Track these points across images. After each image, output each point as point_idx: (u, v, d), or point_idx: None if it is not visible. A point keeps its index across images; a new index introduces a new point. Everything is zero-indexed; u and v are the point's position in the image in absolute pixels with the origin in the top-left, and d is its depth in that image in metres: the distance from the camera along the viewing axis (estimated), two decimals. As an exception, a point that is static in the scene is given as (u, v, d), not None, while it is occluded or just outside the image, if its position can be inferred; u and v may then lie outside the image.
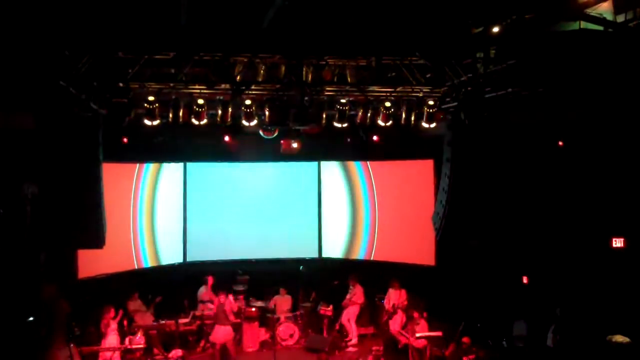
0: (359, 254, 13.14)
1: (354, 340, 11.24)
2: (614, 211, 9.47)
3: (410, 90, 9.12)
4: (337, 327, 11.51)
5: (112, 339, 9.34)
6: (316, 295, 11.82)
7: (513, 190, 9.66)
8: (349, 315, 11.30)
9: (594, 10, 7.48)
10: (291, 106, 9.01)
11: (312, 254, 13.36)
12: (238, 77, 8.66)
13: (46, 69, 7.80)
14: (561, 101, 8.70)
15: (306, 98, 8.95)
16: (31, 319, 8.41)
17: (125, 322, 9.85)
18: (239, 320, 10.73)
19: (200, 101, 8.73)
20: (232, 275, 12.20)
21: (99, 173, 8.36)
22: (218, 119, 9.12)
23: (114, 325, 9.50)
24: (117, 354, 9.38)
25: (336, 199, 13.43)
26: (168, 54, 8.34)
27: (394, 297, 10.94)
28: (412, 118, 9.36)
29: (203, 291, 11.40)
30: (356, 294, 11.30)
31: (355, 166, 13.26)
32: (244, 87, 8.68)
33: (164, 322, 10.34)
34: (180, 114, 8.86)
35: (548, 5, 7.44)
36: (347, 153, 13.00)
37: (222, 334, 10.18)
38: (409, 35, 8.23)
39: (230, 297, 10.54)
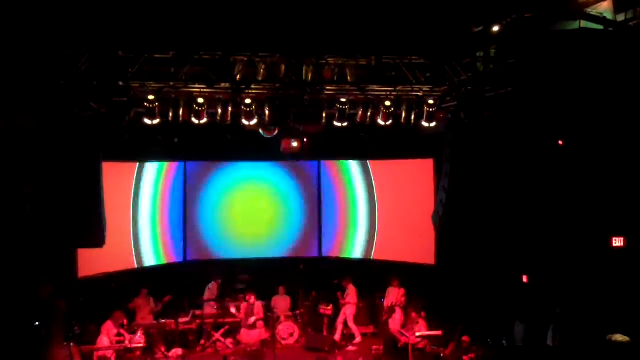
0: (359, 253, 13.14)
1: (359, 339, 11.26)
2: (614, 210, 9.45)
3: (410, 89, 9.12)
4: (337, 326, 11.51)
5: (104, 339, 9.34)
6: (316, 294, 11.82)
7: (513, 190, 9.64)
8: (346, 316, 11.29)
9: (594, 10, 7.50)
10: (291, 105, 9.01)
11: (312, 253, 13.36)
12: (238, 76, 8.67)
13: (46, 68, 7.80)
14: (561, 100, 8.70)
15: (306, 97, 8.95)
16: (37, 323, 8.42)
17: (125, 322, 9.84)
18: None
19: (200, 100, 8.73)
20: (232, 274, 12.20)
21: (99, 172, 8.36)
22: (218, 118, 9.13)
23: (114, 330, 9.50)
24: (112, 353, 9.40)
25: (336, 198, 13.43)
26: (168, 53, 8.35)
27: (393, 295, 10.95)
28: (412, 117, 9.36)
29: (209, 289, 11.40)
30: (349, 294, 11.31)
31: (355, 165, 13.25)
32: (244, 86, 8.69)
33: (164, 321, 10.34)
34: (180, 113, 8.86)
35: (548, 4, 7.45)
36: (347, 152, 13.00)
37: (253, 335, 10.30)
38: (409, 35, 8.24)
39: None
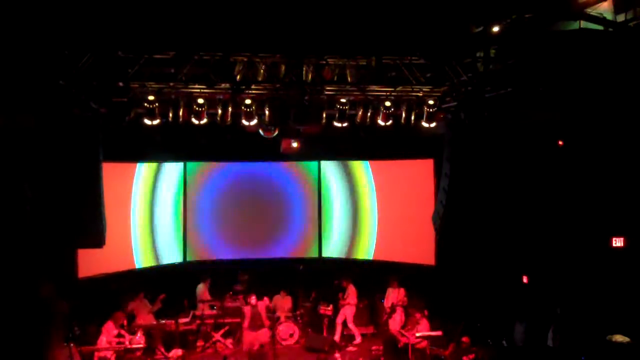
0: (359, 253, 13.13)
1: (359, 340, 11.25)
2: (614, 211, 9.45)
3: (410, 89, 9.11)
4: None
5: (104, 340, 9.35)
6: (316, 295, 11.82)
7: (513, 190, 9.65)
8: (345, 316, 11.28)
9: (594, 10, 7.50)
10: (291, 106, 9.01)
11: (312, 254, 13.35)
12: (238, 77, 8.66)
13: (46, 69, 7.80)
14: (561, 101, 8.70)
15: (306, 97, 8.95)
16: (32, 320, 8.42)
17: (125, 322, 9.84)
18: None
19: (200, 101, 8.73)
20: (232, 275, 12.19)
21: (99, 173, 8.36)
22: (218, 119, 9.12)
23: (115, 331, 9.50)
24: (112, 354, 9.39)
25: (336, 198, 13.43)
26: (168, 53, 8.35)
27: (393, 296, 10.95)
28: (412, 117, 9.36)
29: (202, 291, 11.39)
30: (349, 295, 11.30)
31: (355, 166, 13.25)
32: (244, 87, 8.68)
33: (164, 321, 10.33)
34: (180, 113, 8.86)
35: (548, 4, 7.45)
36: (347, 153, 12.99)
37: (258, 337, 10.35)
38: (409, 35, 8.24)
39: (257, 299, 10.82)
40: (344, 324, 11.29)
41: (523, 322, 9.99)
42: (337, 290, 11.60)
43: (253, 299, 10.79)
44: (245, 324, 10.57)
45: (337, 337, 11.17)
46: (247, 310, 10.68)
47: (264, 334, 10.51)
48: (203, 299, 11.26)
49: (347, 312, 11.28)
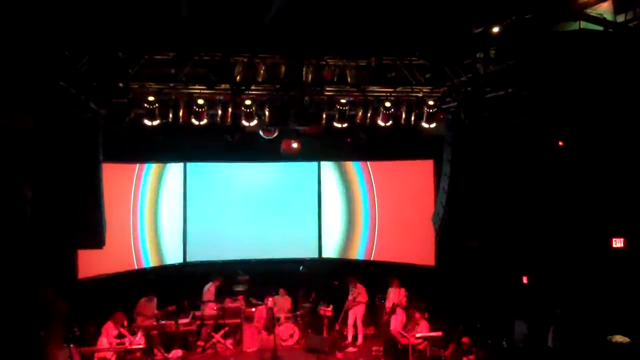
0: (359, 254, 13.13)
1: (360, 340, 11.25)
2: (614, 211, 9.46)
3: (410, 90, 9.11)
4: (337, 327, 11.51)
5: (104, 340, 9.35)
6: (316, 295, 11.82)
7: (513, 191, 9.66)
8: (356, 316, 11.28)
9: (594, 11, 7.49)
10: (291, 106, 9.01)
11: (312, 254, 13.35)
12: (238, 77, 8.66)
13: (46, 69, 7.80)
14: (561, 101, 8.70)
15: (306, 98, 8.95)
16: (32, 321, 8.43)
17: (125, 323, 9.84)
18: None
19: (200, 101, 8.73)
20: (233, 275, 12.19)
21: (99, 173, 8.36)
22: (218, 119, 9.13)
23: (114, 331, 9.50)
24: (112, 354, 9.39)
25: (336, 199, 13.43)
26: (168, 54, 8.35)
27: (394, 296, 10.95)
28: (412, 118, 9.35)
29: (207, 291, 11.38)
30: (360, 294, 11.29)
31: (355, 166, 13.25)
32: (244, 87, 8.68)
33: (164, 322, 10.33)
34: (180, 114, 8.86)
35: (548, 5, 7.44)
36: (347, 153, 13.00)
37: (268, 339, 10.49)
38: (409, 35, 8.23)
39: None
40: (356, 322, 11.29)
41: (523, 323, 9.99)
42: (337, 290, 11.60)
43: (270, 301, 10.84)
44: (260, 325, 10.61)
45: (350, 339, 11.18)
46: (259, 310, 10.76)
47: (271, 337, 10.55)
48: (205, 299, 11.25)
49: (358, 311, 11.28)
